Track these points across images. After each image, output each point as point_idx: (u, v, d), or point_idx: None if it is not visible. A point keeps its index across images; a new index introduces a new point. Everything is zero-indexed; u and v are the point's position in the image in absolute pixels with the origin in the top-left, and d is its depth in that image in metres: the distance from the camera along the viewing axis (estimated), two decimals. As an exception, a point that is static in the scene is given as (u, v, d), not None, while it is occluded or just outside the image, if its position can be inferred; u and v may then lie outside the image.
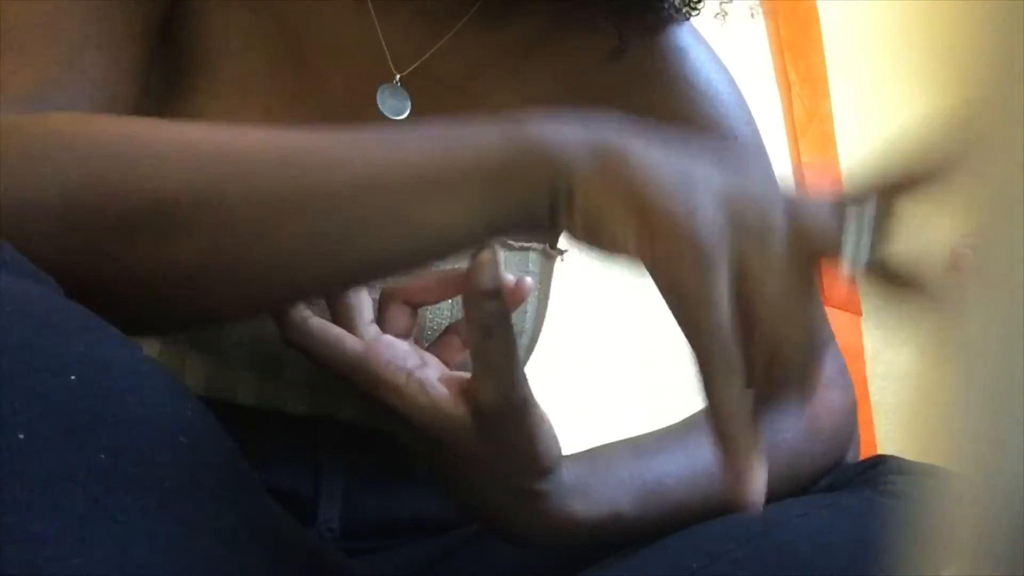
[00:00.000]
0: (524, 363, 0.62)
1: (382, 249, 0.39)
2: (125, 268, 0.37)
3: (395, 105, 0.57)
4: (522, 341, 0.59)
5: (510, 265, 0.59)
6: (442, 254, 0.40)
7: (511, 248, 0.58)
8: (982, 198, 0.20)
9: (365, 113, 0.56)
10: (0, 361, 0.30)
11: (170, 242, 0.37)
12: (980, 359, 0.20)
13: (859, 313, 1.85)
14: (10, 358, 0.30)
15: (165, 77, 0.56)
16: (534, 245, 0.60)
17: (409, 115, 0.57)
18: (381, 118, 0.56)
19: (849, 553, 0.44)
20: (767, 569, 0.43)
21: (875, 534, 0.45)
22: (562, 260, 0.64)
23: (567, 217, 0.37)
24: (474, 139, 0.38)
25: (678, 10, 0.60)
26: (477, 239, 0.39)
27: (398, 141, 0.39)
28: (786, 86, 1.87)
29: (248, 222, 0.38)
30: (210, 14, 0.55)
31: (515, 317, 0.58)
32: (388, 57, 0.57)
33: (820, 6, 1.90)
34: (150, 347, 0.56)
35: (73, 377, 0.31)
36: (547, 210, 0.38)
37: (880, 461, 0.52)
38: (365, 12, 0.57)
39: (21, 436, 0.29)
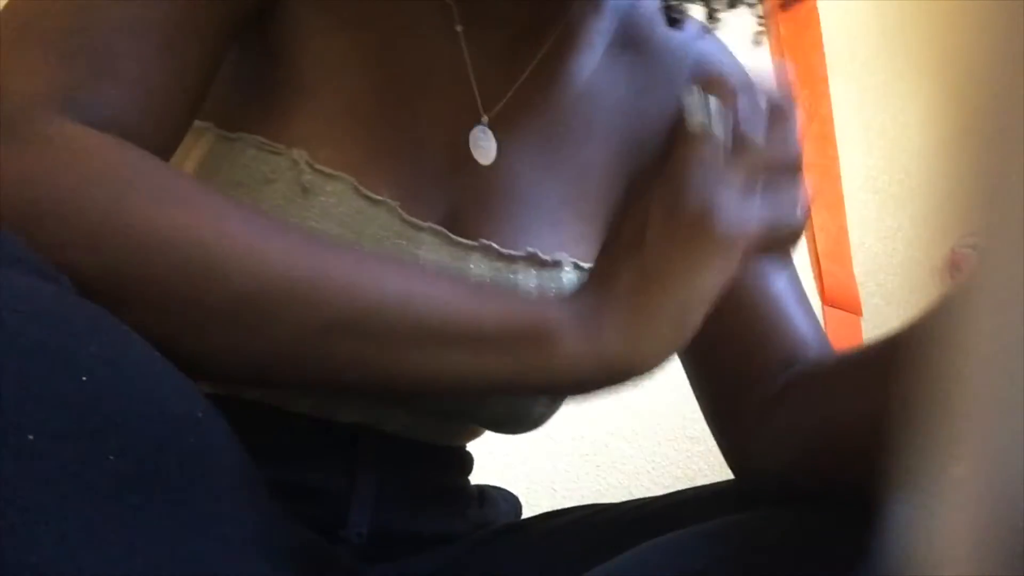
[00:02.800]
0: None
1: (425, 382, 0.43)
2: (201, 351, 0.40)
3: (485, 148, 0.57)
4: None
5: (542, 280, 0.58)
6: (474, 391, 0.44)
7: (540, 267, 0.57)
8: (982, 198, 0.20)
9: (455, 152, 0.56)
10: (12, 361, 0.29)
11: (250, 338, 0.40)
12: (981, 360, 0.20)
13: (859, 313, 1.85)
14: (22, 358, 0.30)
15: (256, 89, 0.55)
16: (564, 258, 0.59)
17: (497, 158, 0.57)
18: (470, 158, 0.56)
19: (848, 554, 0.44)
20: (766, 569, 0.43)
21: (873, 535, 0.45)
22: None
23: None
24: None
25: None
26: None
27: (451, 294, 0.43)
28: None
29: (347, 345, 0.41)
30: (309, 34, 0.54)
31: None
32: (476, 94, 0.57)
33: (820, 6, 1.90)
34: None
35: (84, 378, 0.31)
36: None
37: (878, 461, 0.52)
38: (455, 43, 0.56)
39: (31, 437, 0.29)
